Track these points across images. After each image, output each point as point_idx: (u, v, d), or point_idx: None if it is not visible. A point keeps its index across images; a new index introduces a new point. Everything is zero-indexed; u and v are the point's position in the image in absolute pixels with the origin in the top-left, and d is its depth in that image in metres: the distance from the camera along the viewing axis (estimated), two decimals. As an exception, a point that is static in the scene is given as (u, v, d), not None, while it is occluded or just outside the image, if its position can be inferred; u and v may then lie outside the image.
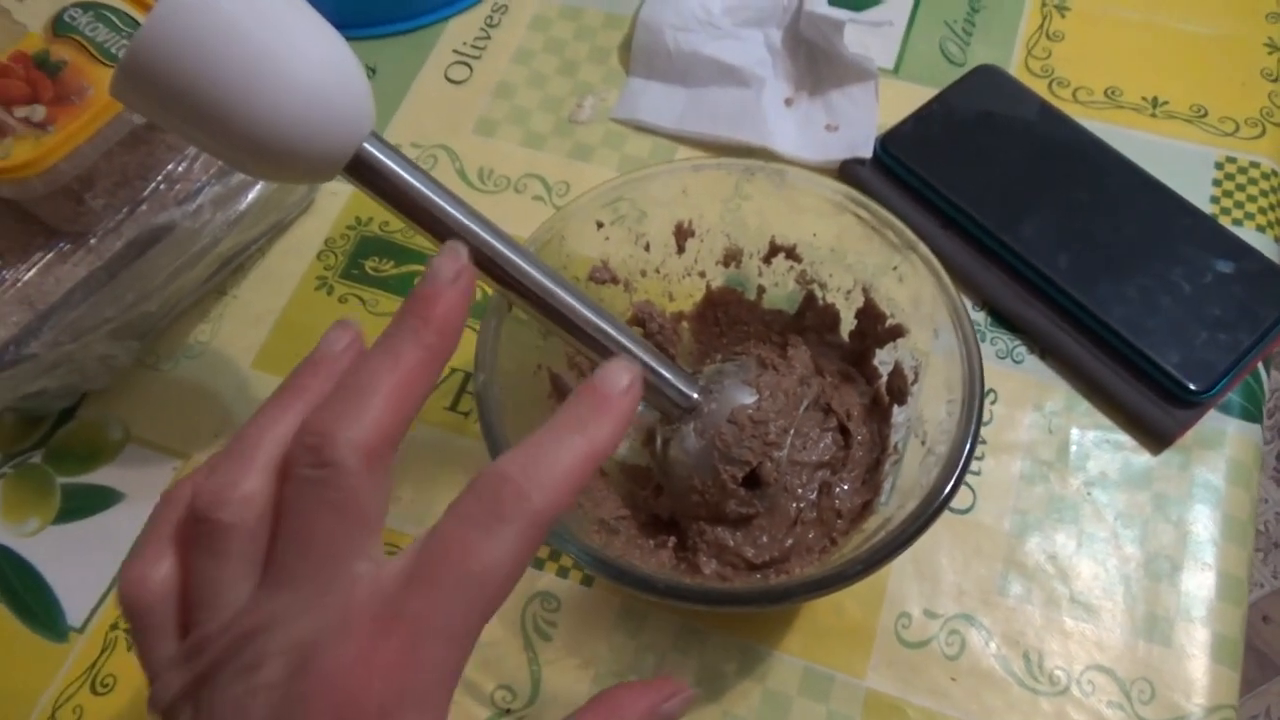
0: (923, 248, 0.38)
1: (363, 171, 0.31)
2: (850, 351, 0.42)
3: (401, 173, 0.32)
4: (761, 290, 0.44)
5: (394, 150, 0.32)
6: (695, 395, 0.38)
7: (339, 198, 0.52)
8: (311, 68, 0.29)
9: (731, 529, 0.38)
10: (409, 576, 0.23)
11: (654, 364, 0.37)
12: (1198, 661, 0.39)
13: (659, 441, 0.40)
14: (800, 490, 0.39)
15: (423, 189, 0.32)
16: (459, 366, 0.46)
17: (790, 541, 0.38)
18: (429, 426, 0.45)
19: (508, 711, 0.39)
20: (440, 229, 0.32)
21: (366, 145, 0.31)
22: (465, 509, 0.24)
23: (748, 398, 0.38)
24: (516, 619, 0.41)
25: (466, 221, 0.32)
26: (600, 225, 0.40)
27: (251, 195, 0.44)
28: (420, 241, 0.50)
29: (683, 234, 0.42)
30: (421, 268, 0.49)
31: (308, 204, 0.51)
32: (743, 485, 0.38)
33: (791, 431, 0.38)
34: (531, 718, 0.39)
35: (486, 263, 0.33)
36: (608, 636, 0.40)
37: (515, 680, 0.39)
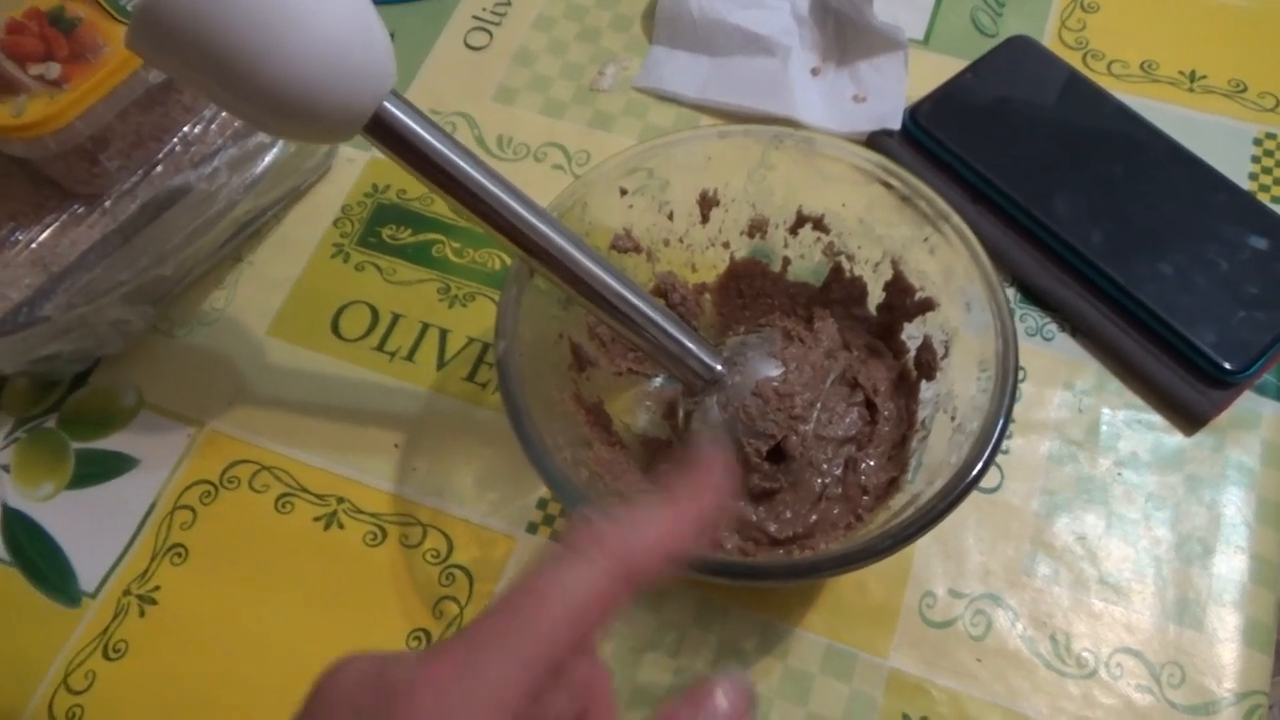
0: (955, 218, 0.37)
1: (383, 131, 0.30)
2: (878, 325, 0.42)
3: (423, 133, 0.31)
4: (787, 262, 0.43)
5: (415, 110, 0.31)
6: (719, 367, 0.37)
7: (356, 164, 0.51)
8: (332, 20, 0.28)
9: (754, 504, 0.37)
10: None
11: (677, 334, 0.36)
12: (1229, 646, 0.38)
13: (681, 414, 0.39)
14: (825, 465, 0.38)
15: (444, 150, 0.31)
16: (476, 336, 0.46)
17: (815, 517, 0.37)
18: (446, 397, 0.44)
19: (524, 685, 0.38)
20: (461, 192, 0.32)
21: (387, 104, 0.30)
22: (553, 551, 0.22)
23: (773, 370, 0.37)
24: (534, 592, 0.40)
25: (488, 184, 0.32)
26: (624, 193, 0.39)
27: (268, 159, 0.44)
28: (439, 208, 0.49)
29: (707, 203, 0.41)
30: (439, 237, 0.49)
31: (325, 170, 0.50)
32: (767, 459, 0.37)
33: (818, 405, 0.37)
34: (548, 692, 0.38)
35: (508, 228, 0.32)
36: (625, 611, 0.40)
37: (532, 654, 0.39)
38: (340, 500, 0.42)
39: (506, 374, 0.34)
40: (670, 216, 0.41)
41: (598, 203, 0.39)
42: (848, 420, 0.38)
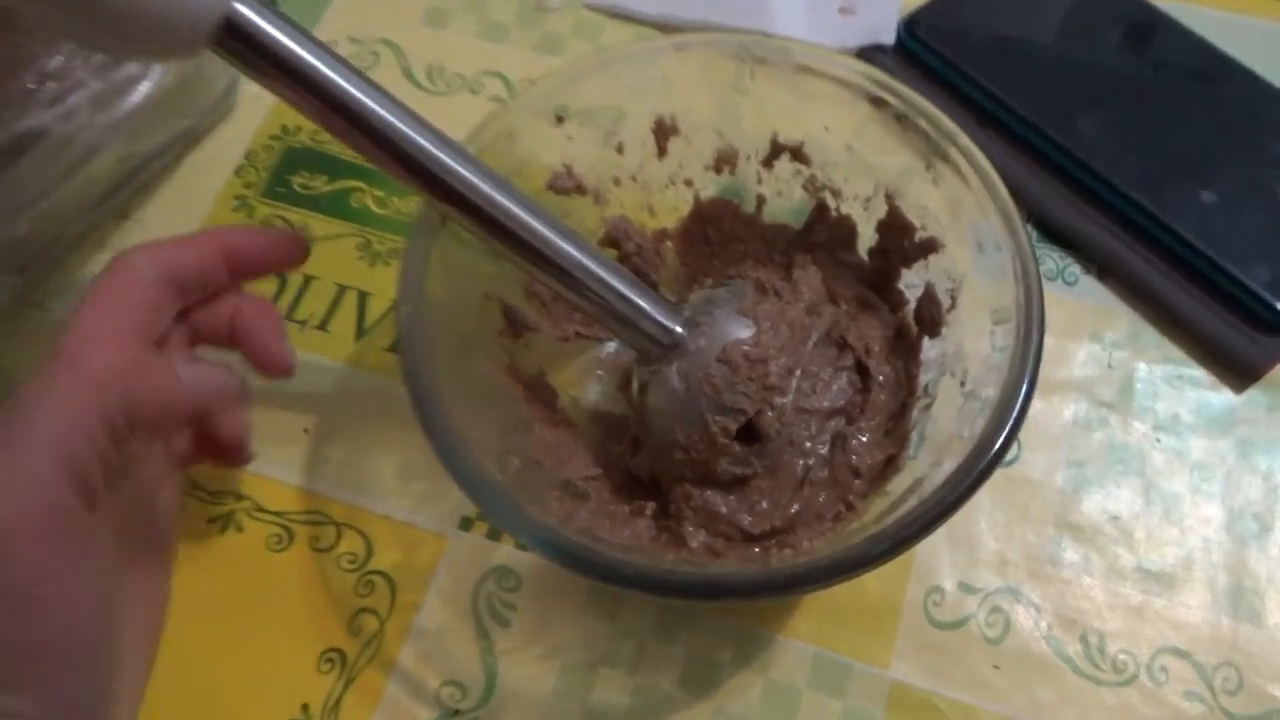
0: (964, 139, 0.30)
1: (235, 43, 0.24)
2: (870, 273, 0.35)
3: (287, 41, 0.25)
4: (762, 201, 0.36)
5: (281, 15, 0.25)
6: (678, 329, 0.31)
7: (262, 102, 0.44)
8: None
9: (724, 492, 0.31)
10: None
11: (626, 290, 0.30)
12: (1295, 644, 0.32)
13: (635, 385, 0.33)
14: (809, 444, 0.31)
15: (321, 66, 0.25)
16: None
17: (796, 507, 0.31)
18: (366, 372, 0.38)
19: (456, 712, 0.32)
20: (344, 114, 0.25)
21: (239, 5, 0.24)
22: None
23: (743, 331, 0.31)
24: (467, 601, 0.34)
25: (377, 107, 0.26)
26: (560, 121, 0.33)
27: (139, 94, 0.36)
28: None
29: (664, 132, 0.34)
30: (358, 184, 0.42)
31: (225, 110, 0.43)
32: (737, 439, 0.30)
33: (797, 372, 0.31)
34: (485, 719, 0.32)
35: (409, 162, 0.26)
36: (577, 620, 0.34)
37: (465, 675, 0.33)
38: (239, 498, 0.35)
39: (409, 347, 0.28)
40: (619, 150, 0.34)
41: (528, 134, 0.32)
42: (835, 388, 0.32)
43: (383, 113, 0.26)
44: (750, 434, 0.31)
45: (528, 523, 0.26)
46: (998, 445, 0.26)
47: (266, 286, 0.39)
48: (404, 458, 0.36)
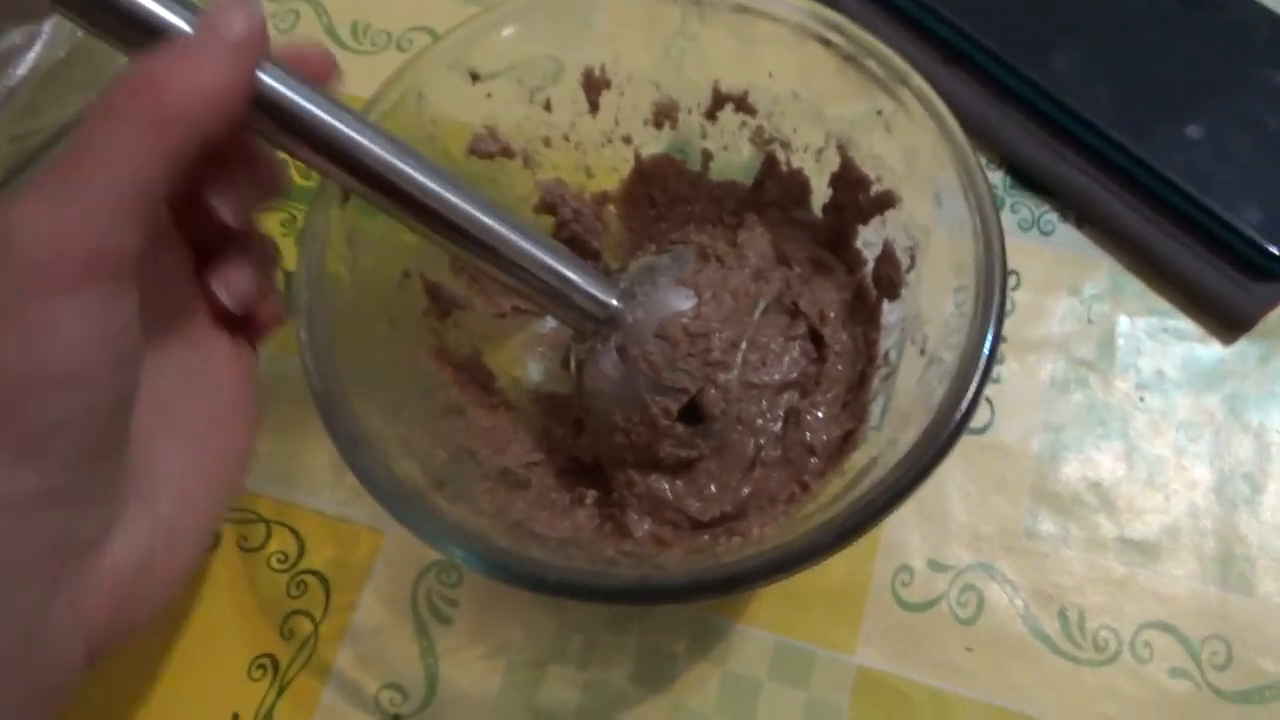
0: (917, 79, 0.27)
1: None
2: (825, 231, 0.32)
3: None
4: (708, 157, 0.33)
5: None
6: (613, 302, 0.28)
7: (177, 70, 0.41)
8: None
9: (669, 477, 0.29)
10: None
11: (553, 262, 0.27)
12: (1289, 614, 0.30)
13: (573, 364, 0.30)
14: (760, 422, 0.29)
15: (172, 18, 0.22)
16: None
17: (747, 490, 0.29)
18: (291, 356, 0.35)
19: (397, 717, 0.30)
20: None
21: None
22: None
23: (683, 303, 0.28)
24: (406, 599, 0.32)
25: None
26: (476, 78, 0.30)
27: (25, 63, 0.34)
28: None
29: (594, 85, 0.31)
30: (282, 155, 0.39)
31: (137, 80, 0.40)
32: (680, 420, 0.28)
33: (743, 345, 0.28)
34: (428, 724, 0.30)
35: (281, 117, 0.23)
36: (522, 615, 0.32)
37: (406, 677, 0.31)
38: (160, 498, 0.33)
39: (308, 337, 0.25)
40: (547, 106, 0.32)
41: (440, 92, 0.29)
42: (786, 360, 0.29)
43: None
44: (694, 414, 0.28)
45: (437, 526, 0.23)
46: (958, 416, 0.24)
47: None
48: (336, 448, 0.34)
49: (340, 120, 0.23)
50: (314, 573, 0.32)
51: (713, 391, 0.28)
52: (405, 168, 0.24)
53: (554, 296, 0.27)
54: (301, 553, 0.33)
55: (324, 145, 0.23)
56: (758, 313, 0.29)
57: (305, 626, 0.32)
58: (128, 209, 0.20)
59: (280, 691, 0.31)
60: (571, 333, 0.30)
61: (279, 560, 0.32)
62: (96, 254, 0.20)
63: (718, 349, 0.28)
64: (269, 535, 0.33)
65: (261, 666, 0.31)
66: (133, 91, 0.20)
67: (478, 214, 0.25)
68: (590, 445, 0.31)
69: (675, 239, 0.32)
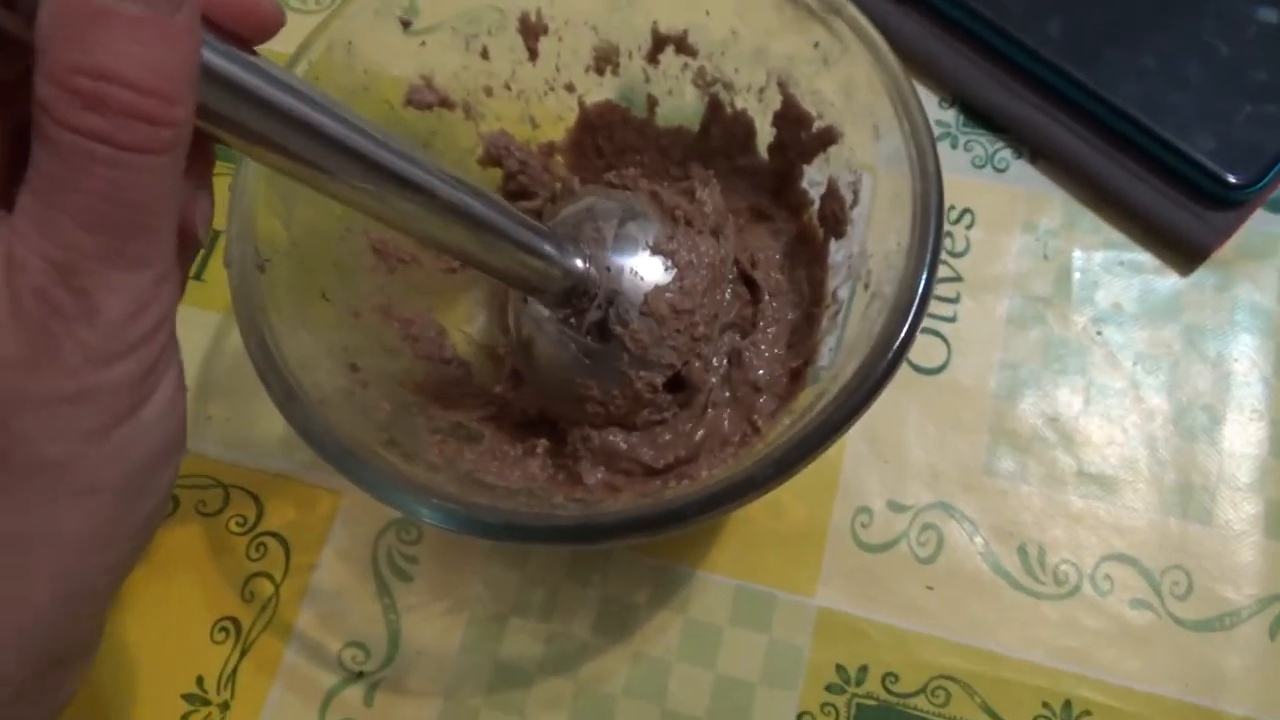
0: (850, 9, 0.27)
1: None
2: (771, 174, 0.32)
3: None
4: (654, 103, 0.33)
5: None
6: (580, 264, 0.27)
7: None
8: None
9: (626, 431, 0.29)
10: None
11: (503, 222, 0.24)
12: (1248, 540, 0.30)
13: (512, 318, 0.30)
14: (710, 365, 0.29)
15: None
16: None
17: (701, 434, 0.29)
18: (246, 322, 0.35)
19: (360, 675, 0.30)
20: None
21: None
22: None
23: (662, 275, 0.28)
24: (366, 558, 0.32)
25: None
26: (407, 25, 0.29)
27: None
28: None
29: (531, 31, 0.31)
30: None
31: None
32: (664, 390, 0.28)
33: (719, 318, 0.28)
34: (390, 680, 0.30)
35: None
36: (483, 570, 0.32)
37: (368, 635, 0.31)
38: (116, 467, 0.33)
39: (242, 298, 0.25)
40: (484, 54, 0.31)
41: (370, 43, 0.29)
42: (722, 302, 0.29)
43: None
44: (676, 383, 0.28)
45: (374, 475, 0.23)
46: (895, 347, 0.23)
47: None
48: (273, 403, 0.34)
49: (255, 75, 0.18)
50: (273, 534, 0.32)
51: (697, 364, 0.28)
52: (332, 123, 0.19)
53: (506, 270, 0.25)
54: (260, 515, 0.33)
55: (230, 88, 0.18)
56: (728, 283, 0.29)
57: (266, 588, 0.32)
58: None
59: (243, 653, 0.31)
60: (513, 293, 0.30)
61: (238, 523, 0.32)
62: None
63: (703, 323, 0.27)
64: (227, 500, 0.33)
65: (224, 629, 0.31)
66: None
67: (411, 168, 0.21)
68: (535, 399, 0.30)
69: (615, 181, 0.31)
